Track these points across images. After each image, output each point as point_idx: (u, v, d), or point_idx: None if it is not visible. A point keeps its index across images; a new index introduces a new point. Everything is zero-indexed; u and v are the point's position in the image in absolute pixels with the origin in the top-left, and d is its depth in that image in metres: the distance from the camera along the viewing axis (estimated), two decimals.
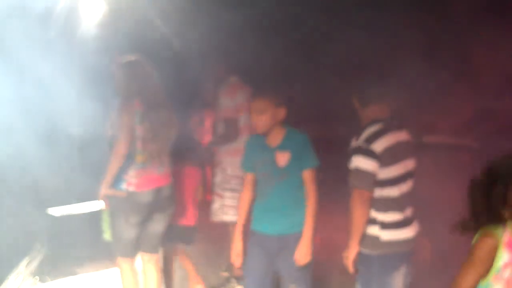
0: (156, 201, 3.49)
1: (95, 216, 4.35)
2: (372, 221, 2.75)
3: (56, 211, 4.94)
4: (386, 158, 2.70)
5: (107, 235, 3.69)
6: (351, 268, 2.80)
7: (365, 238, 2.76)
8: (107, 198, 3.49)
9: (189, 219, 4.00)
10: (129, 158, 3.37)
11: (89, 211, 4.87)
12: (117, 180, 3.42)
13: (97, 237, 3.96)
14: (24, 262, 4.84)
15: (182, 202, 3.89)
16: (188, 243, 4.09)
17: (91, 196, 4.92)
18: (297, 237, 2.97)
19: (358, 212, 2.69)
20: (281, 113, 3.00)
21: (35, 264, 4.87)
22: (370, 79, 3.02)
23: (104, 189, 3.42)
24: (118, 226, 3.49)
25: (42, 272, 4.67)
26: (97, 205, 4.91)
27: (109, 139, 3.50)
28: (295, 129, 3.08)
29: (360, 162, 2.69)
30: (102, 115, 3.63)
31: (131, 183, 3.40)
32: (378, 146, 2.70)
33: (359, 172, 2.69)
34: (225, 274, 4.61)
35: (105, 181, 3.40)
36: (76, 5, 5.89)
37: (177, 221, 3.88)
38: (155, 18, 6.03)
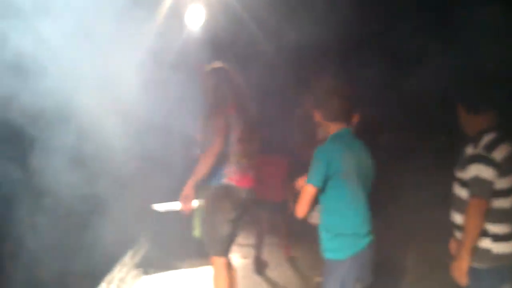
0: (248, 200, 3.57)
1: None
2: (484, 233, 2.65)
3: (160, 207, 5.14)
4: (505, 167, 2.59)
5: (197, 233, 3.72)
6: (464, 280, 2.68)
7: (474, 251, 2.65)
8: (205, 197, 3.56)
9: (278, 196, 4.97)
10: (224, 158, 3.46)
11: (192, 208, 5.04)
12: (216, 176, 3.50)
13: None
14: (129, 254, 5.11)
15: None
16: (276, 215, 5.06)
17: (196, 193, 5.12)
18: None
19: (474, 222, 2.59)
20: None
21: (139, 256, 5.12)
22: (482, 85, 2.89)
23: (189, 188, 3.46)
24: (216, 224, 3.51)
25: (146, 265, 4.92)
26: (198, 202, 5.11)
27: (201, 142, 3.61)
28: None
29: (480, 170, 2.60)
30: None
31: (232, 178, 3.49)
32: (498, 154, 2.60)
33: (479, 180, 2.60)
34: (318, 279, 4.62)
35: (192, 180, 3.45)
36: (178, 10, 6.15)
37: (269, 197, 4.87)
38: (253, 24, 6.17)
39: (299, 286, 4.63)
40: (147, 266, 4.90)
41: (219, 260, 3.56)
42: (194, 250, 4.77)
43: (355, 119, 2.98)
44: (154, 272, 4.81)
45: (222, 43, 6.41)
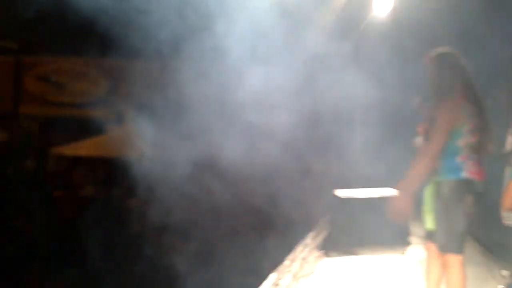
0: (483, 193, 3.36)
1: (379, 202, 4.55)
2: None
3: (342, 193, 5.27)
4: None
5: (429, 225, 3.41)
6: None
7: None
8: (441, 191, 3.24)
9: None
10: (457, 150, 3.18)
11: (373, 196, 5.09)
12: (452, 168, 3.21)
13: (379, 222, 4.08)
14: (310, 236, 5.35)
15: None
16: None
17: (379, 182, 5.18)
18: None
19: None
20: None
21: (320, 238, 5.33)
22: None
23: (405, 192, 3.13)
24: (455, 219, 3.25)
25: (328, 248, 5.09)
26: (383, 192, 5.13)
27: (423, 135, 3.48)
28: None
29: None
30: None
31: (472, 172, 3.19)
32: None
33: None
34: (505, 273, 4.38)
35: (409, 181, 3.14)
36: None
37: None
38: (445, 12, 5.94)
39: (483, 277, 4.43)
40: (329, 249, 5.05)
41: (456, 258, 3.24)
42: (376, 238, 4.83)
43: None
44: (337, 256, 4.93)
45: (410, 31, 6.30)
